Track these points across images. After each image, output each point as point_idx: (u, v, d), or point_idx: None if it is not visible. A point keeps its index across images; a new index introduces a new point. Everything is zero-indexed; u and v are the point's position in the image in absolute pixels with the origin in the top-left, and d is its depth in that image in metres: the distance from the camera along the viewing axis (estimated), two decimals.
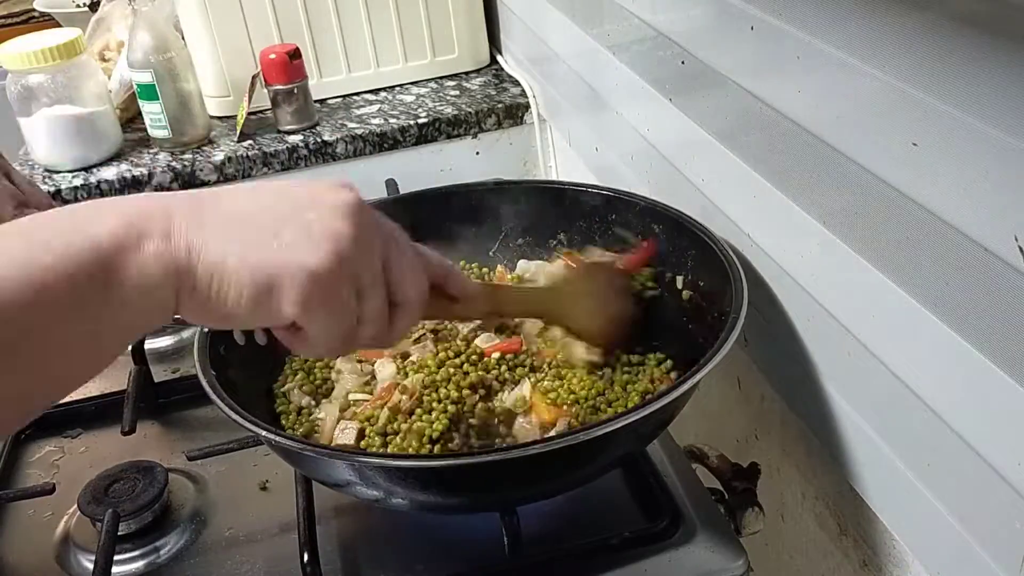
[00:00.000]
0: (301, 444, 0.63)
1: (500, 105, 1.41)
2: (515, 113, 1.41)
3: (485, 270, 0.91)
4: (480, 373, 0.74)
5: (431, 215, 0.91)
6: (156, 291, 0.47)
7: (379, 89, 1.50)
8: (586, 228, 0.89)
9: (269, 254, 0.49)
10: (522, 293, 0.79)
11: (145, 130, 1.39)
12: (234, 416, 0.63)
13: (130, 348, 0.91)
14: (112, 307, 0.46)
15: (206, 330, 0.71)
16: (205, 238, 0.48)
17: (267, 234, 0.49)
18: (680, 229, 0.80)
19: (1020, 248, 0.47)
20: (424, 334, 0.81)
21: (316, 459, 0.63)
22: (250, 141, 1.37)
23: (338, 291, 0.51)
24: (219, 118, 1.45)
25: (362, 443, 0.71)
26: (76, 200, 1.30)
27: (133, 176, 1.32)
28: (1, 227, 0.46)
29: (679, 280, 0.81)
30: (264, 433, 0.62)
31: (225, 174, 1.34)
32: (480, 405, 0.72)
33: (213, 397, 0.64)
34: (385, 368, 0.77)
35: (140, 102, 1.36)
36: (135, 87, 1.35)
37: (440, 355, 0.77)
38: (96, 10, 1.59)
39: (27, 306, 0.43)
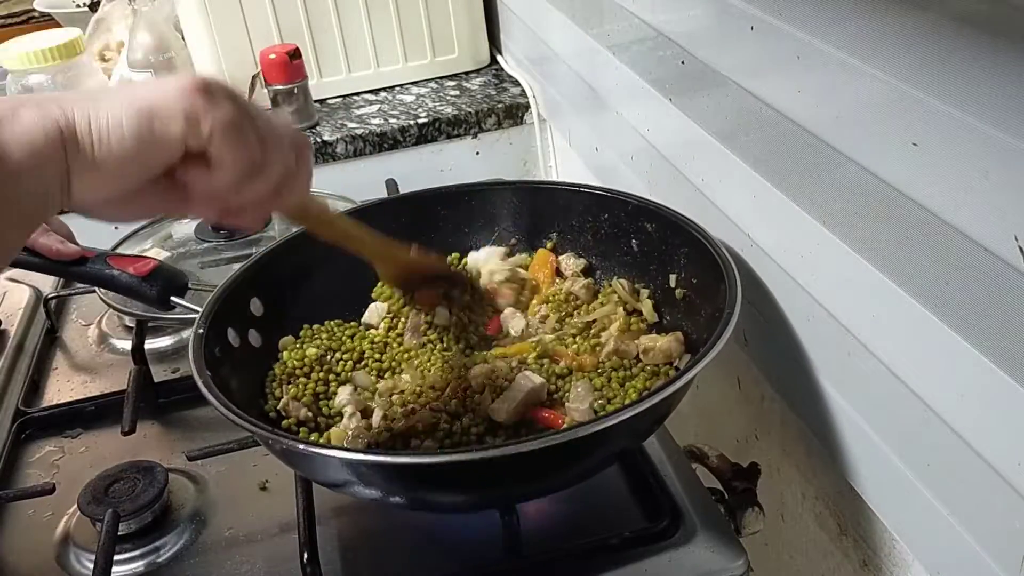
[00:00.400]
0: (296, 442, 0.63)
1: (500, 105, 1.41)
2: (515, 113, 1.41)
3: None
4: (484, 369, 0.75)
5: (424, 215, 0.91)
6: (42, 152, 0.47)
7: (379, 89, 1.50)
8: (579, 227, 0.89)
9: (138, 94, 0.50)
10: (349, 224, 0.78)
11: None
12: (230, 416, 0.63)
13: (130, 348, 0.91)
14: (4, 182, 0.46)
15: (200, 331, 0.71)
16: (76, 100, 0.49)
17: (129, 89, 0.51)
18: (673, 227, 0.80)
19: (1020, 248, 0.47)
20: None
21: (313, 458, 0.63)
22: None
23: (219, 102, 0.51)
24: None
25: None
26: None
27: None
28: None
29: (672, 278, 0.81)
30: (259, 432, 0.62)
31: None
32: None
33: (209, 398, 0.64)
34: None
35: None
36: None
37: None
38: (96, 10, 1.59)
39: None
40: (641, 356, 0.77)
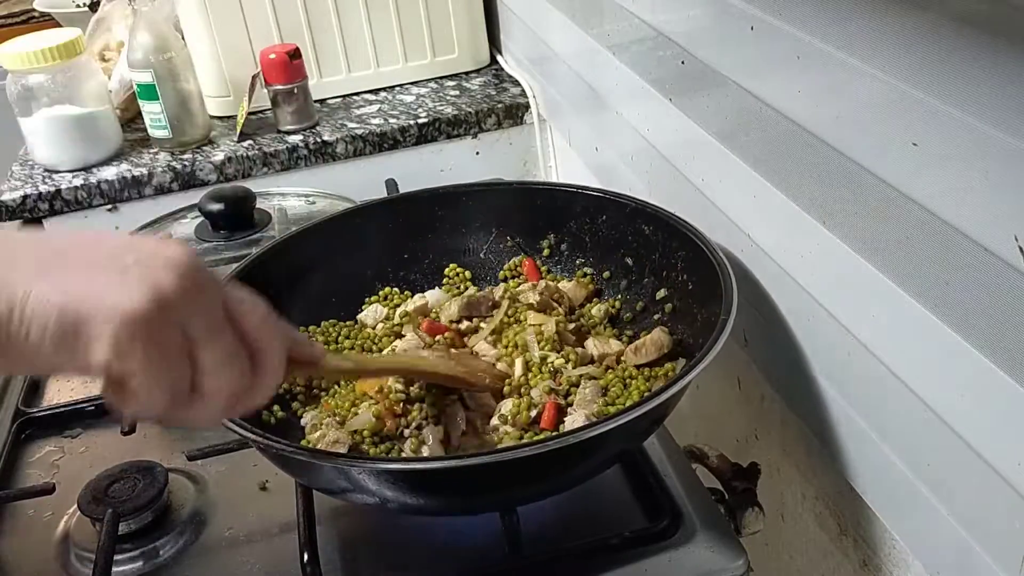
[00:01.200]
0: (295, 449, 0.62)
1: (500, 105, 1.41)
2: (515, 113, 1.41)
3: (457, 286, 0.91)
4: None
5: (422, 216, 0.91)
6: None
7: (379, 89, 1.50)
8: (576, 228, 0.89)
9: (78, 292, 0.45)
10: (374, 359, 0.74)
11: (145, 130, 1.39)
12: (227, 424, 0.62)
13: None
14: None
15: None
16: (14, 278, 0.45)
17: (79, 273, 0.46)
18: (670, 230, 0.80)
19: (1020, 248, 0.47)
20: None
21: (307, 464, 0.63)
22: (250, 141, 1.37)
23: (158, 337, 0.46)
24: (219, 118, 1.45)
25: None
26: (76, 200, 1.31)
27: (133, 176, 1.32)
28: None
29: (668, 281, 0.81)
30: (252, 437, 0.61)
31: (225, 174, 1.34)
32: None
33: None
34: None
35: (140, 102, 1.36)
36: (135, 87, 1.35)
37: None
38: (96, 10, 1.59)
39: None
40: (633, 354, 0.77)
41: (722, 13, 0.73)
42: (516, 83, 1.45)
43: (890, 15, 0.53)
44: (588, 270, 0.89)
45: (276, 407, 0.75)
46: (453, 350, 0.79)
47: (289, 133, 1.38)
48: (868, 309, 0.62)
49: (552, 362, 0.76)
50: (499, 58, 1.54)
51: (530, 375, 0.75)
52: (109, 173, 1.32)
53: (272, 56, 1.34)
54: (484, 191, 0.92)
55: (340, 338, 0.83)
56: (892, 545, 0.68)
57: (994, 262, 0.49)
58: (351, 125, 1.39)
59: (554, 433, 0.68)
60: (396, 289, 0.90)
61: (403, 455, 0.70)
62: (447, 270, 0.91)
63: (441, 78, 1.52)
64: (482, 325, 0.83)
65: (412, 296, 0.89)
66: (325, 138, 1.36)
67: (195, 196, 1.15)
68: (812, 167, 0.65)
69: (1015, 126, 0.45)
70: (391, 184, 1.09)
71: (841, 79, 0.59)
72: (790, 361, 0.74)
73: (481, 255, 0.92)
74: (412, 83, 1.51)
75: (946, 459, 0.57)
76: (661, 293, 0.82)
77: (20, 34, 1.34)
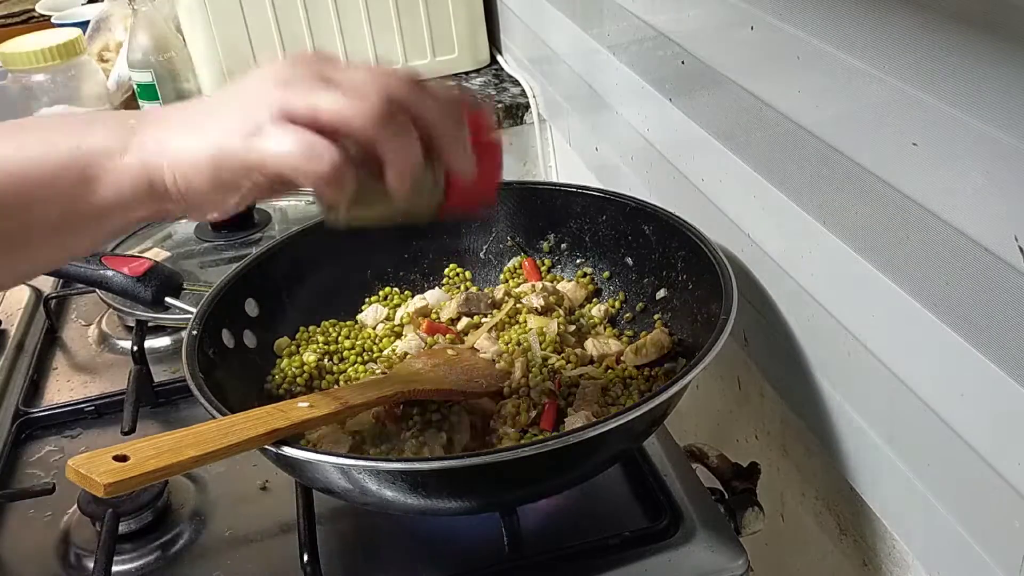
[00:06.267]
0: (295, 449, 0.61)
1: (500, 105, 1.41)
2: (515, 113, 1.41)
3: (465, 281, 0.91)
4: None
5: None
6: (130, 203, 0.52)
7: None
8: (576, 228, 0.89)
9: (209, 128, 0.51)
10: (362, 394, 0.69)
11: None
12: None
13: (130, 348, 0.91)
14: (94, 203, 0.52)
15: (194, 333, 0.71)
16: (162, 144, 0.51)
17: (201, 125, 0.52)
18: (670, 230, 0.80)
19: (1020, 248, 0.47)
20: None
21: (306, 464, 0.62)
22: None
23: (284, 130, 0.50)
24: None
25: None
26: None
27: None
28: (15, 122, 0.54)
29: (668, 281, 0.81)
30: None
31: None
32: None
33: (201, 400, 0.64)
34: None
35: (140, 102, 1.36)
36: (135, 87, 1.35)
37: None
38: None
39: (22, 191, 0.51)
40: (633, 354, 0.77)
41: (722, 13, 0.73)
42: (516, 83, 1.45)
43: (890, 15, 0.53)
44: (588, 270, 0.89)
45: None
46: (451, 351, 0.79)
47: None
48: (868, 309, 0.62)
49: (552, 363, 0.76)
50: (499, 58, 1.54)
51: (530, 375, 0.75)
52: None
53: None
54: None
55: (340, 338, 0.83)
56: (892, 545, 0.68)
57: (994, 262, 0.49)
58: None
59: (554, 433, 0.68)
60: (396, 289, 0.90)
61: (403, 456, 0.70)
62: (447, 270, 0.91)
63: (441, 78, 1.52)
64: (483, 321, 0.83)
65: (412, 296, 0.89)
66: None
67: None
68: (812, 167, 0.65)
69: (1015, 126, 0.45)
70: None
71: (841, 79, 0.59)
72: (790, 361, 0.74)
73: (481, 255, 0.92)
74: None
75: (946, 459, 0.57)
76: (661, 293, 0.82)
77: (20, 34, 1.34)
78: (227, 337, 0.76)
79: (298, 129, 0.49)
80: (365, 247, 0.89)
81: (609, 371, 0.77)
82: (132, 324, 0.97)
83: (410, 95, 0.52)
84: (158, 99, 1.33)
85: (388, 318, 0.86)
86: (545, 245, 0.91)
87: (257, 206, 1.11)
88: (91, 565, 0.70)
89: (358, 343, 0.83)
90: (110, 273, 0.86)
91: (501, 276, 0.91)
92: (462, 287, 0.90)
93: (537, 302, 0.82)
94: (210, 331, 0.73)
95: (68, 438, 0.88)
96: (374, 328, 0.85)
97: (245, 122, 0.50)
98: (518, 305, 0.83)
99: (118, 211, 0.53)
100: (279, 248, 0.84)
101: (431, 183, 0.55)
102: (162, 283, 0.86)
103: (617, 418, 0.59)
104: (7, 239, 0.52)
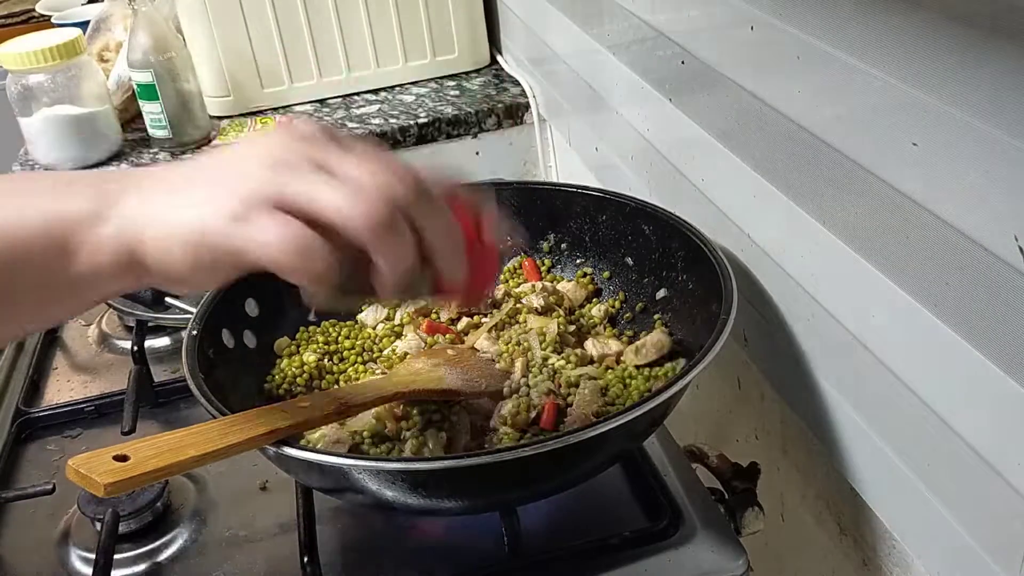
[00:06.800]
0: (295, 449, 0.62)
1: (500, 105, 1.41)
2: (515, 113, 1.41)
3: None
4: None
5: None
6: (111, 274, 0.50)
7: (379, 89, 1.50)
8: (576, 228, 0.89)
9: (189, 209, 0.49)
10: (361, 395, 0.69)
11: (145, 130, 1.39)
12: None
13: (130, 348, 0.91)
14: (72, 275, 0.50)
15: (194, 333, 0.71)
16: (144, 218, 0.49)
17: (182, 202, 0.49)
18: (670, 230, 0.80)
19: (1020, 248, 0.47)
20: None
21: (310, 464, 0.62)
22: None
23: (274, 218, 0.47)
24: (219, 118, 1.45)
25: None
26: None
27: None
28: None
29: (668, 281, 0.81)
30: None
31: None
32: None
33: (201, 400, 0.64)
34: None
35: (140, 102, 1.36)
36: (135, 87, 1.35)
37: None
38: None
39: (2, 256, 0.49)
40: (633, 354, 0.77)
41: (722, 13, 0.73)
42: (516, 83, 1.45)
43: (890, 15, 0.53)
44: (588, 270, 0.89)
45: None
46: (451, 351, 0.79)
47: None
48: (868, 309, 0.62)
49: (552, 363, 0.77)
50: (499, 58, 1.54)
51: (530, 375, 0.75)
52: None
53: None
54: (484, 191, 0.92)
55: (340, 338, 0.83)
56: (892, 545, 0.68)
57: (994, 262, 0.49)
58: (351, 125, 1.39)
59: (554, 433, 0.68)
60: None
61: (403, 456, 0.70)
62: None
63: (441, 78, 1.52)
64: (483, 321, 0.83)
65: None
66: None
67: None
68: (812, 167, 0.65)
69: (1015, 126, 0.45)
70: None
71: (841, 79, 0.59)
72: (790, 361, 0.74)
73: None
74: (412, 83, 1.51)
75: (946, 459, 0.57)
76: (661, 293, 0.82)
77: (20, 34, 1.34)
78: (227, 337, 0.76)
79: (290, 221, 0.47)
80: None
81: (609, 371, 0.77)
82: (132, 324, 0.97)
83: (413, 203, 0.49)
84: (158, 99, 1.33)
85: (388, 318, 0.86)
86: (545, 245, 0.91)
87: None
88: (91, 565, 0.70)
89: (358, 343, 0.83)
90: None
91: (501, 276, 0.91)
92: None
93: (537, 302, 0.82)
94: (210, 331, 0.73)
95: (68, 438, 0.88)
96: (374, 328, 0.85)
97: (231, 203, 0.47)
98: (518, 305, 0.83)
99: (97, 284, 0.51)
100: None
101: (420, 283, 0.54)
102: None
103: (617, 418, 0.59)
104: None
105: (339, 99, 1.49)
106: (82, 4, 1.78)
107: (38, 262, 0.49)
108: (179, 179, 0.51)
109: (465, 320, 0.84)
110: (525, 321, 0.82)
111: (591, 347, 0.79)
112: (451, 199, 0.53)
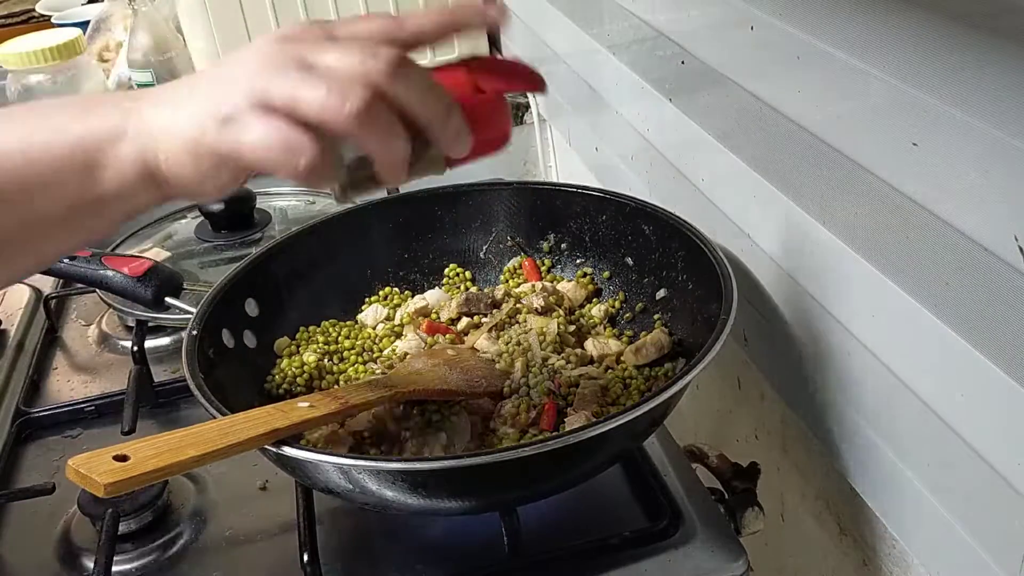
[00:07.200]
0: (295, 449, 0.62)
1: None
2: (515, 113, 1.41)
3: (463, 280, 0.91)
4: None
5: (422, 215, 0.91)
6: (133, 187, 0.52)
7: None
8: (576, 228, 0.89)
9: (189, 115, 0.50)
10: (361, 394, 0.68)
11: None
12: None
13: (130, 348, 0.91)
14: (99, 192, 0.51)
15: (194, 333, 0.71)
16: (156, 130, 0.50)
17: (186, 110, 0.51)
18: (670, 230, 0.80)
19: (1020, 248, 0.47)
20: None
21: (310, 464, 0.62)
22: None
23: (259, 117, 0.48)
24: None
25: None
26: None
27: None
28: (14, 108, 0.54)
29: (668, 281, 0.81)
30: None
31: None
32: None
33: (201, 400, 0.64)
34: None
35: None
36: (135, 87, 1.35)
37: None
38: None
39: (24, 179, 0.50)
40: (633, 354, 0.77)
41: (722, 13, 0.73)
42: None
43: (890, 15, 0.53)
44: (588, 270, 0.89)
45: None
46: (451, 351, 0.79)
47: None
48: (868, 309, 0.62)
49: (552, 363, 0.77)
50: (499, 58, 1.54)
51: (530, 375, 0.75)
52: None
53: None
54: (484, 191, 0.92)
55: (340, 338, 0.83)
56: (892, 545, 0.68)
57: (994, 262, 0.49)
58: None
59: (554, 433, 0.68)
60: (396, 289, 0.90)
61: (403, 456, 0.70)
62: (447, 270, 0.91)
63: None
64: (483, 321, 0.83)
65: (412, 296, 0.89)
66: None
67: None
68: (812, 167, 0.65)
69: (1015, 126, 0.45)
70: None
71: (841, 79, 0.59)
72: (790, 361, 0.74)
73: (481, 255, 0.92)
74: None
75: (946, 459, 0.57)
76: (661, 293, 0.82)
77: (20, 34, 1.34)
78: (227, 337, 0.76)
79: (275, 120, 0.48)
80: (365, 247, 0.89)
81: (609, 371, 0.77)
82: (132, 324, 0.97)
83: (390, 81, 0.49)
84: None
85: (388, 318, 0.86)
86: (545, 245, 0.91)
87: (257, 206, 1.11)
88: (91, 565, 0.70)
89: (358, 343, 0.83)
90: (110, 273, 0.86)
91: (501, 276, 0.91)
92: (462, 287, 0.90)
93: (537, 302, 0.82)
94: (210, 331, 0.73)
95: (68, 438, 0.88)
96: (374, 328, 0.85)
97: (222, 107, 0.49)
98: (518, 305, 0.83)
99: (123, 200, 0.52)
100: (279, 248, 0.84)
101: (431, 159, 0.54)
102: (162, 283, 0.86)
103: (617, 418, 0.59)
104: (8, 233, 0.51)
105: None
106: (82, 4, 1.78)
107: (68, 182, 0.51)
108: (184, 90, 0.53)
109: (465, 320, 0.84)
110: (525, 321, 0.82)
111: (591, 347, 0.79)
112: (433, 85, 0.52)
